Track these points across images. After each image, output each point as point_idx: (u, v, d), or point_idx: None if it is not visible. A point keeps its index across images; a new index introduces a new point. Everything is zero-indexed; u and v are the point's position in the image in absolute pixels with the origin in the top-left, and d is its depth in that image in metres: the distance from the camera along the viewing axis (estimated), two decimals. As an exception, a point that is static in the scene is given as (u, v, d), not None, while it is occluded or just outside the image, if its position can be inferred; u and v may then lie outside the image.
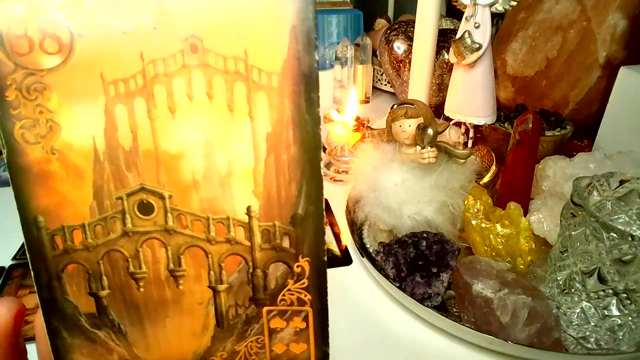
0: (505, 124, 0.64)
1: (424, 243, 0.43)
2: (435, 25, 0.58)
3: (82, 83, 0.18)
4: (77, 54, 0.18)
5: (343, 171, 0.64)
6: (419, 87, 0.63)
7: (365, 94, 0.89)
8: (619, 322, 0.37)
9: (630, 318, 0.37)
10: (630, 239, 0.34)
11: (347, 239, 0.52)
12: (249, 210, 0.19)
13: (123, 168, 0.19)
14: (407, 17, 0.97)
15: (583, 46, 0.66)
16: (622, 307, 0.37)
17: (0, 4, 0.17)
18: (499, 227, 0.45)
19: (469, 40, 0.50)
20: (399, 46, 0.78)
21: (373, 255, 0.47)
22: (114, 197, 0.19)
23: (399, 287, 0.42)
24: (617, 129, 0.62)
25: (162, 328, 0.20)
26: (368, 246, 0.50)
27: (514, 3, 0.48)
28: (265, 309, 0.21)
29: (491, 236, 0.45)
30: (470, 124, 0.57)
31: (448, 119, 0.55)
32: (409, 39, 0.77)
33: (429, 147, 0.45)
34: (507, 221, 0.45)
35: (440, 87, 0.75)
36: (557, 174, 0.53)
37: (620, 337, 0.37)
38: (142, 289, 0.20)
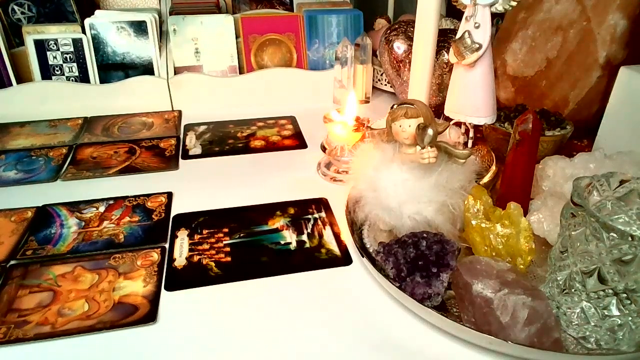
0: (505, 124, 0.64)
1: (424, 243, 0.43)
2: (435, 25, 0.58)
3: None
4: None
5: (343, 171, 0.64)
6: (419, 87, 0.63)
7: (365, 94, 0.89)
8: (619, 322, 0.37)
9: (630, 318, 0.37)
10: (630, 239, 0.34)
11: (347, 239, 0.52)
12: None
13: None
14: (407, 17, 0.97)
15: (583, 46, 0.66)
16: (622, 307, 0.37)
17: None
18: (499, 227, 0.45)
19: (469, 40, 0.50)
20: (399, 46, 0.78)
21: (373, 255, 0.47)
22: None
23: (399, 287, 0.42)
24: (617, 129, 0.62)
25: None
26: (368, 246, 0.50)
27: (514, 3, 0.48)
28: None
29: (491, 236, 0.45)
30: (470, 124, 0.57)
31: (448, 119, 0.55)
32: (409, 39, 0.77)
33: (429, 147, 0.45)
34: (507, 221, 0.45)
35: (440, 87, 0.75)
36: (557, 174, 0.53)
37: (620, 337, 0.37)
38: None
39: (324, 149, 0.67)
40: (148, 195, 0.60)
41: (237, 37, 0.86)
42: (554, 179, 0.53)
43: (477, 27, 0.49)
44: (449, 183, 0.47)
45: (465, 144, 0.59)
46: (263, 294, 0.45)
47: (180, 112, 0.84)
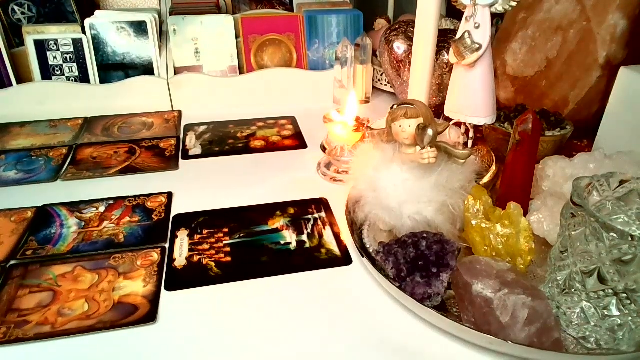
0: (505, 124, 0.64)
1: (424, 243, 0.43)
2: (435, 25, 0.58)
3: None
4: None
5: (343, 171, 0.64)
6: (419, 87, 0.63)
7: (365, 94, 0.89)
8: (619, 322, 0.37)
9: (630, 318, 0.37)
10: (630, 239, 0.34)
11: (347, 239, 0.52)
12: None
13: None
14: (407, 17, 0.97)
15: (583, 46, 0.66)
16: (622, 307, 0.37)
17: None
18: (499, 227, 0.45)
19: (469, 41, 0.50)
20: (399, 46, 0.78)
21: (373, 255, 0.47)
22: None
23: (399, 287, 0.42)
24: (617, 129, 0.62)
25: None
26: (368, 246, 0.50)
27: (514, 3, 0.48)
28: None
29: (491, 236, 0.45)
30: (470, 124, 0.57)
31: (448, 119, 0.55)
32: (409, 39, 0.77)
33: (429, 147, 0.45)
34: (507, 221, 0.45)
35: (440, 87, 0.75)
36: (557, 174, 0.53)
37: (620, 337, 0.37)
38: None
39: (324, 149, 0.67)
40: (148, 195, 0.60)
41: (237, 37, 0.86)
42: (554, 179, 0.53)
43: (477, 27, 0.49)
44: (449, 183, 0.47)
45: (465, 144, 0.59)
46: (263, 294, 0.45)
47: (180, 112, 0.84)
